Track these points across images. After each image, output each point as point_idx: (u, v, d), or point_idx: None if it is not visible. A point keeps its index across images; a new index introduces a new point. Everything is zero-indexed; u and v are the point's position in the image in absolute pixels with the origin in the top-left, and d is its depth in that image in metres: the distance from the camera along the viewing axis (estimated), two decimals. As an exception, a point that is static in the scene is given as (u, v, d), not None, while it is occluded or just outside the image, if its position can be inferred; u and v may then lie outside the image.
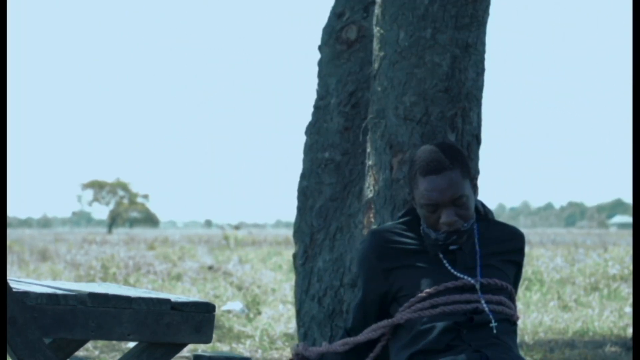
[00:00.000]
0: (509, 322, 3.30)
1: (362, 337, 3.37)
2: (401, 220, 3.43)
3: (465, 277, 3.27)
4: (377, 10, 3.96)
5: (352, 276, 4.15)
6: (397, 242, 3.34)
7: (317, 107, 4.58)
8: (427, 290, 3.25)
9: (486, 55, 3.90)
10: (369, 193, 3.92)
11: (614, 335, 7.87)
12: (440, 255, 3.30)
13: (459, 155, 3.30)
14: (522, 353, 5.77)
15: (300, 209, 4.53)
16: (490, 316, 3.22)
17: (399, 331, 3.30)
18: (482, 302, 3.24)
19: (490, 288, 3.28)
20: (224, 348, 6.95)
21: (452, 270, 3.28)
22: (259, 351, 6.78)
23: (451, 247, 3.28)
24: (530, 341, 7.39)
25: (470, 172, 3.31)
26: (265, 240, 33.16)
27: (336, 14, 4.60)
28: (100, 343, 6.72)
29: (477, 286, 3.26)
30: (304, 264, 4.44)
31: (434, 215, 3.26)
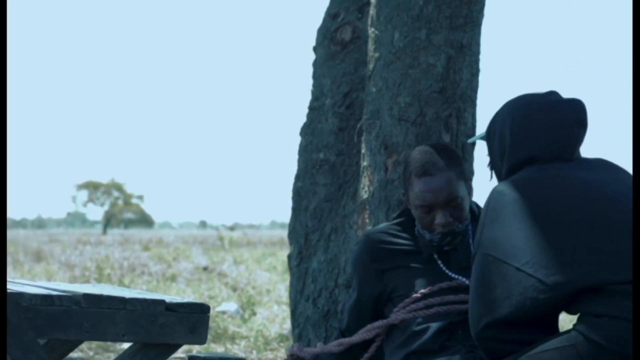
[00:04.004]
0: (503, 322, 3.30)
1: (356, 337, 3.37)
2: (395, 221, 3.43)
3: (460, 277, 3.27)
4: (371, 11, 3.96)
5: (346, 277, 4.15)
6: (391, 243, 3.34)
7: (311, 108, 4.58)
8: (422, 290, 3.25)
9: (481, 56, 3.91)
10: (363, 194, 3.92)
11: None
12: (435, 256, 3.30)
13: (453, 156, 3.30)
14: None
15: (295, 210, 4.52)
16: (485, 317, 3.22)
17: (394, 332, 3.30)
18: (477, 302, 3.24)
19: (485, 289, 3.28)
20: (218, 349, 6.94)
21: (447, 271, 3.28)
22: (254, 352, 6.77)
23: (445, 248, 3.28)
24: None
25: (465, 173, 3.31)
26: (260, 241, 33.07)
27: (331, 15, 4.60)
28: (94, 344, 6.71)
29: (472, 287, 3.26)
30: (298, 265, 4.43)
31: (428, 217, 3.26)
